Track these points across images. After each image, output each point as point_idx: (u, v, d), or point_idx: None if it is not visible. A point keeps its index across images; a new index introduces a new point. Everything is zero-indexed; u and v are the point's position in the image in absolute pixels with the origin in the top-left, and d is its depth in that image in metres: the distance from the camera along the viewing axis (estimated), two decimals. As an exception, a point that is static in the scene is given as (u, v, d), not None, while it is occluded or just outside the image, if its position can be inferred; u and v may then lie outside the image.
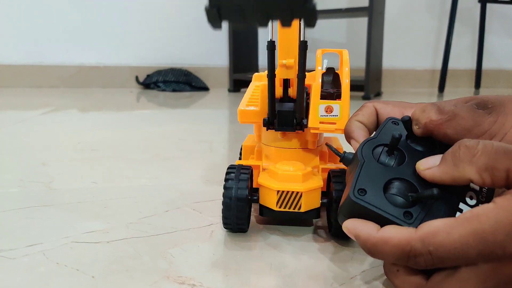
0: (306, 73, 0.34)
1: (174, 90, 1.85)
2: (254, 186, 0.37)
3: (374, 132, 0.29)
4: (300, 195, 0.33)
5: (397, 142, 0.26)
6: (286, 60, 0.33)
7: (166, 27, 2.04)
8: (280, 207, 0.33)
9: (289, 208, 0.33)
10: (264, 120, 0.36)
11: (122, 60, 2.02)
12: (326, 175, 0.36)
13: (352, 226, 0.24)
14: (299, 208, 0.33)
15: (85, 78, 1.99)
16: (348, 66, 0.36)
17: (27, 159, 0.60)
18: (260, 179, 0.35)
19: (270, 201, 0.34)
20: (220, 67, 2.12)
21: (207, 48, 2.10)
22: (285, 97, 0.36)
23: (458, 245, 0.20)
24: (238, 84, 1.90)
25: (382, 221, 0.23)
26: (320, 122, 0.34)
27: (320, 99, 0.34)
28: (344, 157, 0.28)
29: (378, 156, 0.27)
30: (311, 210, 0.34)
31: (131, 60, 2.03)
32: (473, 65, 2.22)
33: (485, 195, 0.24)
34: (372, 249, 0.23)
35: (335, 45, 2.19)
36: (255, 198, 0.35)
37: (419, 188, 0.24)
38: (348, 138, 0.30)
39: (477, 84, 2.13)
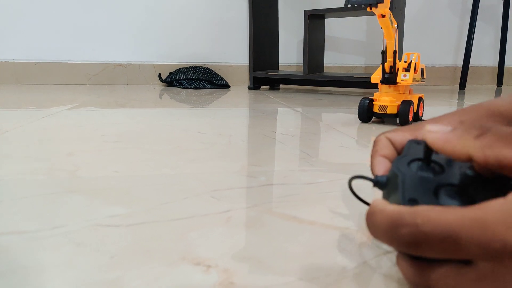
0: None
1: (195, 88, 1.87)
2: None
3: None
4: (386, 106, 0.87)
5: (432, 149, 0.24)
6: (390, 58, 0.85)
7: (188, 26, 2.07)
8: (379, 110, 0.88)
9: (383, 111, 0.87)
10: (380, 80, 0.88)
11: (146, 58, 2.06)
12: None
13: (373, 201, 0.23)
14: (386, 110, 0.86)
15: (110, 76, 2.04)
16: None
17: (54, 150, 0.62)
18: (375, 102, 0.90)
19: (375, 108, 0.89)
20: (240, 64, 2.13)
21: (228, 46, 2.11)
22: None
23: (448, 224, 0.18)
24: (258, 82, 1.91)
25: None
26: (401, 80, 0.85)
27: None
28: (378, 181, 0.26)
29: (415, 169, 0.24)
30: (392, 113, 0.87)
31: (154, 58, 2.07)
32: (495, 62, 2.17)
33: None
34: (368, 217, 0.22)
35: (355, 42, 2.17)
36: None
37: (470, 190, 0.22)
38: (373, 174, 0.29)
39: (499, 82, 2.08)
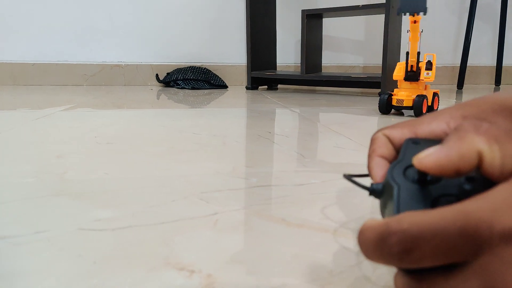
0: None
1: (193, 88, 1.86)
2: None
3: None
4: (403, 100, 1.00)
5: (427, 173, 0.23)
6: (413, 58, 1.00)
7: (186, 26, 2.06)
8: (396, 104, 1.01)
9: (400, 104, 1.00)
10: (404, 78, 1.01)
11: (143, 59, 2.05)
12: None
13: (364, 222, 0.22)
14: (402, 103, 1.00)
15: (107, 76, 2.03)
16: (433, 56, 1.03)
17: (44, 152, 0.61)
18: (394, 96, 1.02)
19: (393, 101, 1.02)
20: (238, 65, 2.13)
21: (226, 46, 2.11)
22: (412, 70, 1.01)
23: (434, 222, 0.18)
24: (256, 82, 1.90)
25: None
26: (424, 77, 0.98)
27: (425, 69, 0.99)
28: (373, 190, 0.25)
29: (411, 177, 0.23)
30: (408, 106, 1.00)
31: (152, 59, 2.06)
32: (493, 61, 2.16)
33: None
34: (359, 237, 0.21)
35: (353, 42, 2.16)
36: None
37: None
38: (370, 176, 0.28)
39: (497, 81, 2.07)
